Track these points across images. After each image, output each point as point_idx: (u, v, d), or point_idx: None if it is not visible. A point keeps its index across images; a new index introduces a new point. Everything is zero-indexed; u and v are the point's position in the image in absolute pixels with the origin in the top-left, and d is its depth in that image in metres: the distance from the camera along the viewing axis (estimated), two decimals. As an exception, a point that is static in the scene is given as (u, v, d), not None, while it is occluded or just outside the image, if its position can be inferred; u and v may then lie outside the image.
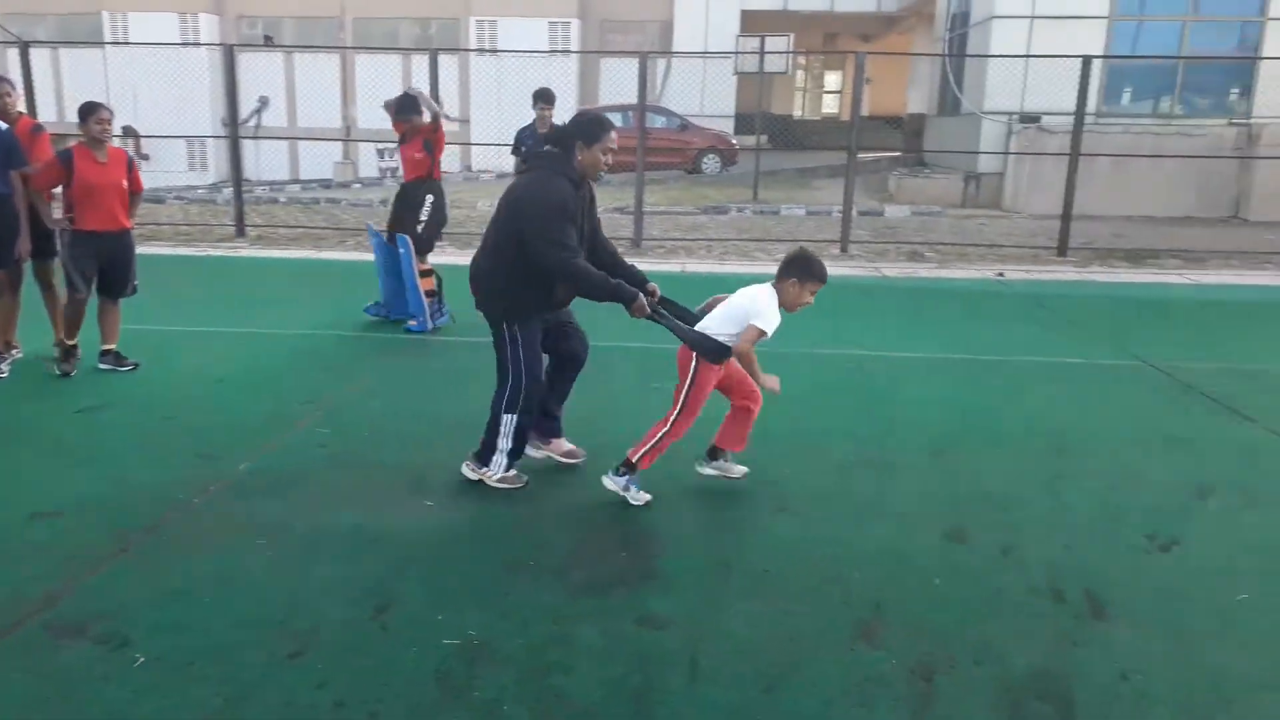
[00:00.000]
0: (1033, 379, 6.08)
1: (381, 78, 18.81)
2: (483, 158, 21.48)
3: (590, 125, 3.91)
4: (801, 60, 30.95)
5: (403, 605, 3.09)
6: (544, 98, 7.48)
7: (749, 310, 3.76)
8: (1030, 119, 15.14)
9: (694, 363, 3.84)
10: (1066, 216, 11.33)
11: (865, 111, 12.95)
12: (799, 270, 3.79)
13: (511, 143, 7.71)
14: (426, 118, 6.76)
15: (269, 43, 25.32)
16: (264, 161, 20.89)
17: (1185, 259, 11.25)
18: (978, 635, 2.99)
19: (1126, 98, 16.05)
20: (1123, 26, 15.45)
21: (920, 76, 21.91)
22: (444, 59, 23.35)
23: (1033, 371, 6.26)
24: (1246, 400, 5.55)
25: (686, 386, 3.86)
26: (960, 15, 18.01)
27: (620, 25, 25.51)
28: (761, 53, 15.86)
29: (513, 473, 4.07)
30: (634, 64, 11.49)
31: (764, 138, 18.69)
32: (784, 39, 16.11)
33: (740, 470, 4.17)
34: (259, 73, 23.51)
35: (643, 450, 3.89)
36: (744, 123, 22.17)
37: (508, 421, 3.99)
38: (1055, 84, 12.35)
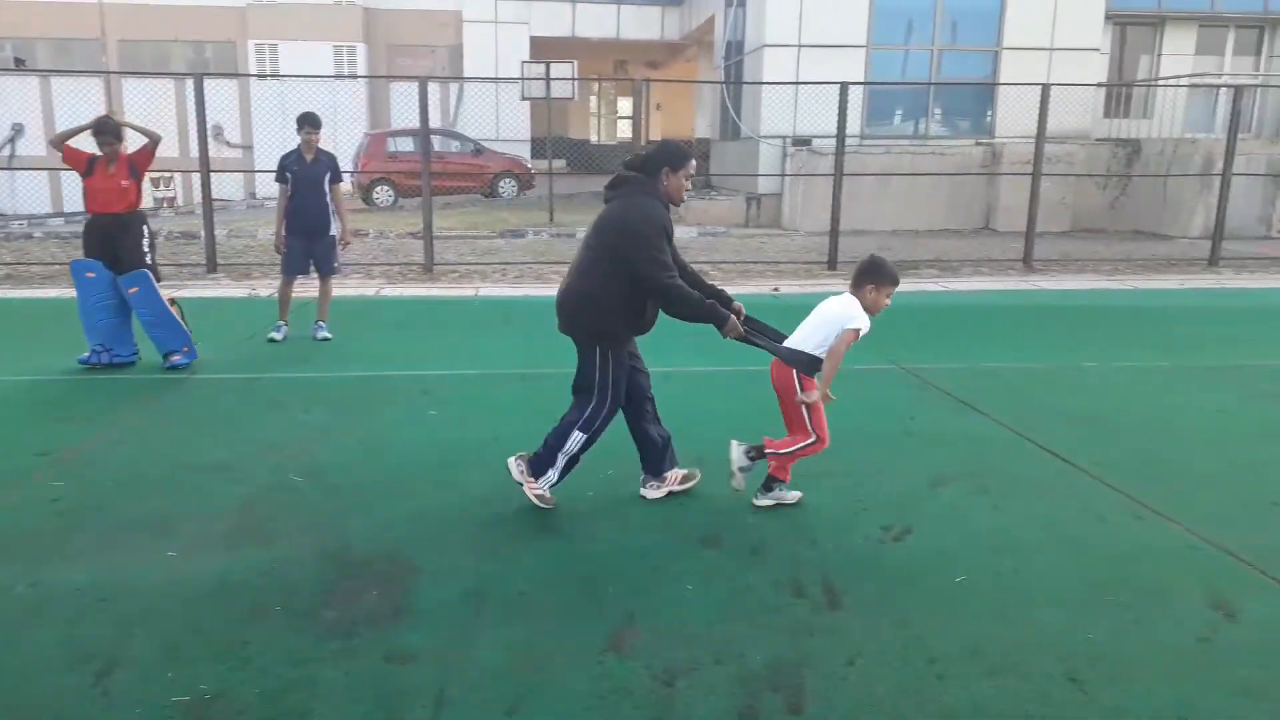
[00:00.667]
0: (797, 387, 6.41)
1: (153, 103, 17.71)
2: (266, 185, 20.59)
3: (676, 152, 4.03)
4: (594, 86, 31.56)
5: (128, 666, 2.90)
6: (310, 122, 7.27)
7: (841, 316, 3.98)
8: (802, 142, 16.05)
9: (797, 381, 4.03)
10: (834, 233, 12.07)
11: (657, 136, 13.38)
12: (876, 276, 4.03)
13: (276, 169, 7.43)
14: (129, 145, 6.48)
15: (20, 65, 23.32)
16: (20, 194, 19.20)
17: (941, 268, 12.21)
18: (722, 635, 3.12)
19: (888, 121, 17.29)
20: (881, 55, 16.66)
21: (705, 102, 22.79)
22: (224, 83, 22.35)
23: (798, 379, 6.60)
24: (983, 397, 6.07)
25: (807, 414, 4.05)
26: (736, 44, 18.89)
27: (408, 49, 25.16)
28: (548, 79, 16.04)
29: (551, 495, 4.10)
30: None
31: (561, 162, 18.91)
32: (569, 65, 16.37)
33: (795, 496, 4.23)
34: (10, 98, 21.62)
35: (782, 452, 4.10)
36: (540, 147, 22.35)
37: (577, 439, 4.05)
38: (823, 109, 13.16)
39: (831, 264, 12.04)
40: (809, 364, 4.04)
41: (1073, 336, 8.47)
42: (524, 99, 17.76)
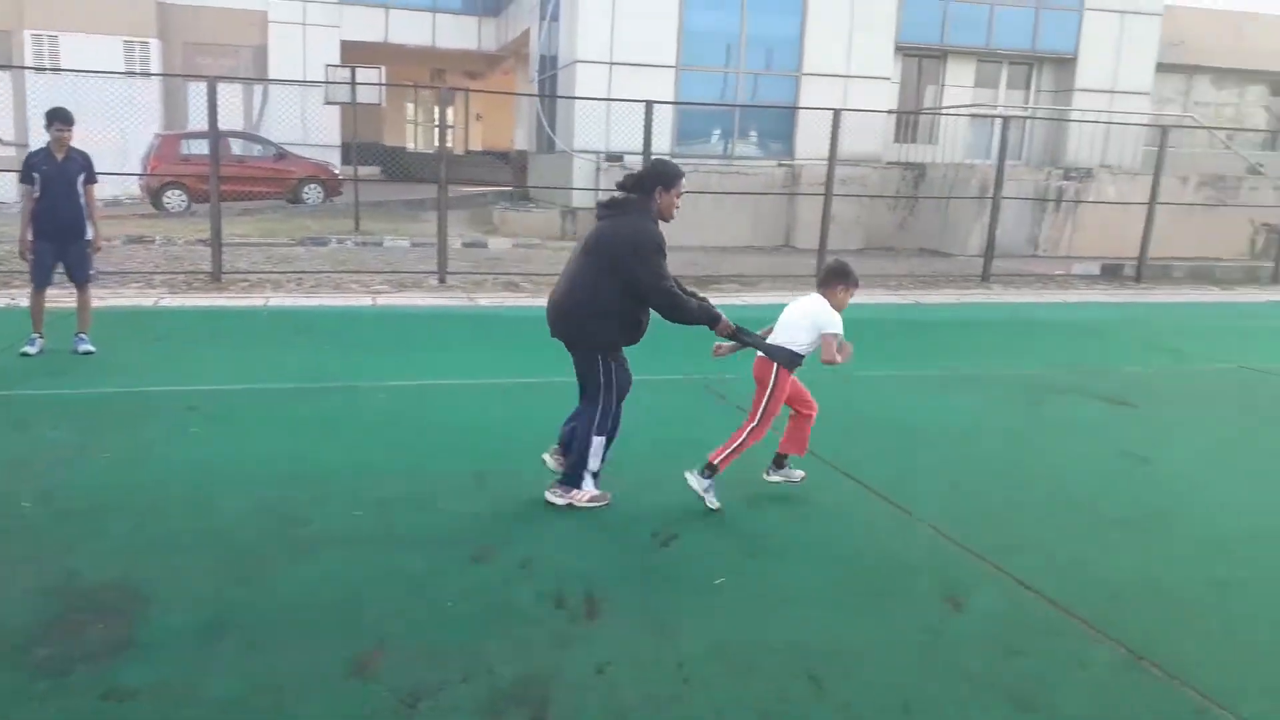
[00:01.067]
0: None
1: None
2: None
3: (669, 172, 4.26)
4: (413, 93, 30.88)
5: None
6: (60, 117, 6.71)
7: (817, 321, 4.43)
8: (614, 158, 16.25)
9: (774, 373, 4.41)
10: (642, 246, 12.25)
11: (479, 146, 13.18)
12: (844, 277, 4.51)
13: (21, 168, 6.81)
14: None
15: None
16: None
17: (742, 283, 12.64)
18: (475, 651, 3.06)
19: (698, 140, 17.77)
20: (690, 76, 17.11)
21: (524, 114, 22.74)
22: (-5, 74, 20.47)
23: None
24: (764, 404, 6.29)
25: (767, 395, 4.41)
26: (550, 58, 18.96)
27: (208, 48, 23.81)
28: (353, 83, 15.55)
29: (599, 491, 4.35)
30: (226, 89, 10.73)
31: (375, 169, 18.32)
32: (375, 71, 15.93)
33: (800, 474, 4.68)
34: None
35: (724, 453, 4.34)
36: (350, 153, 21.64)
37: (597, 444, 4.29)
38: (635, 126, 13.37)
39: (639, 277, 12.21)
40: (790, 360, 4.44)
41: (862, 348, 8.90)
42: (328, 103, 17.15)
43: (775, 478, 4.70)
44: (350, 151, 17.75)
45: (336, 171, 20.66)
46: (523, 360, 7.52)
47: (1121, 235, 15.57)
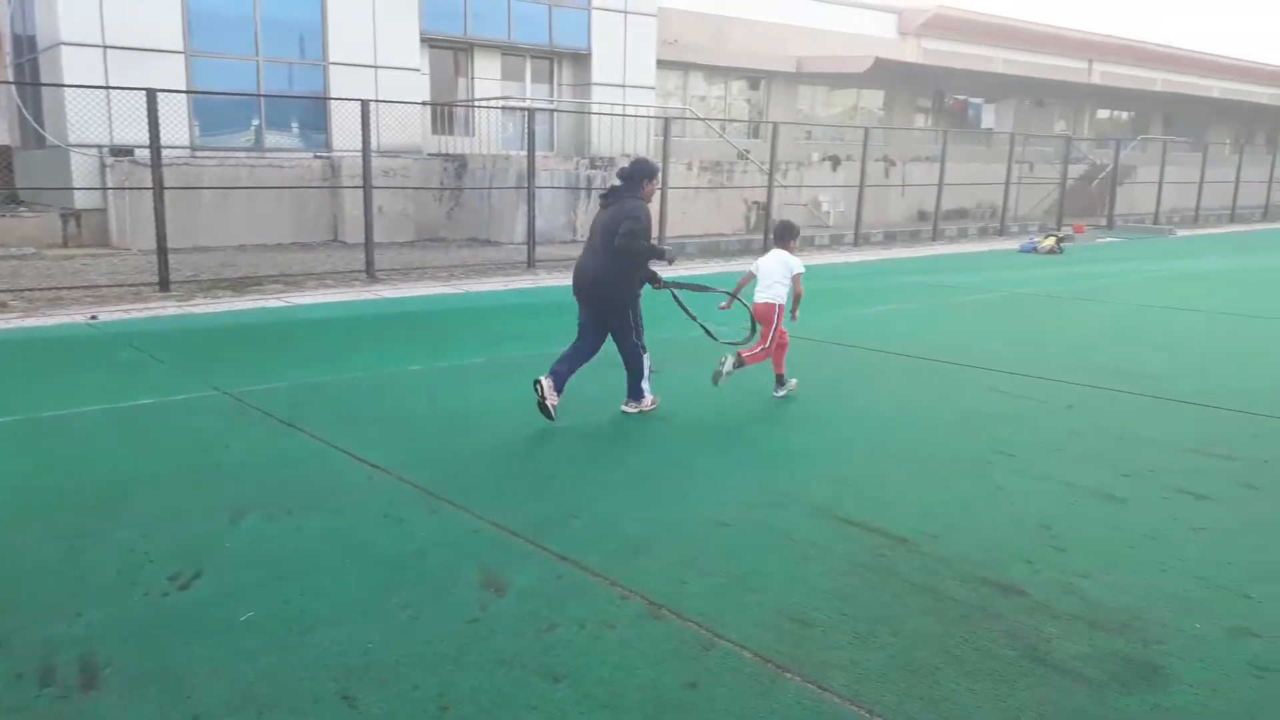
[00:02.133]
0: (98, 431, 5.64)
1: None
2: None
3: (650, 168, 5.94)
4: None
5: None
6: None
7: (789, 265, 6.45)
8: (124, 152, 14.45)
9: (777, 315, 6.47)
10: (163, 250, 11.06)
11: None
12: (793, 233, 6.70)
13: None
14: None
15: None
16: None
17: (286, 283, 11.91)
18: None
19: (224, 131, 16.40)
20: (205, 63, 15.69)
21: (4, 105, 19.35)
22: None
23: (100, 422, 5.81)
24: (306, 413, 5.95)
25: (773, 329, 6.45)
26: (28, 39, 16.32)
27: None
28: None
29: (653, 396, 6.13)
30: None
31: None
32: None
33: (794, 382, 6.67)
34: None
35: (750, 354, 6.37)
36: None
37: (645, 360, 6.01)
38: (143, 116, 11.91)
39: (163, 284, 11.01)
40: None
41: (408, 342, 8.83)
42: None
43: (783, 392, 6.60)
44: None
45: None
46: (37, 391, 6.39)
47: (645, 216, 17.08)
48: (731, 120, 24.09)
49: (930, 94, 29.73)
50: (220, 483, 4.74)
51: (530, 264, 14.05)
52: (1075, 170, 26.01)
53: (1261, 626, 3.32)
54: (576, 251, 16.24)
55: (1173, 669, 3.04)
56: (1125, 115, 36.80)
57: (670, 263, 6.34)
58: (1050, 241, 18.39)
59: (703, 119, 22.31)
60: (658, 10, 20.88)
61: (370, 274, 12.56)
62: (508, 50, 19.58)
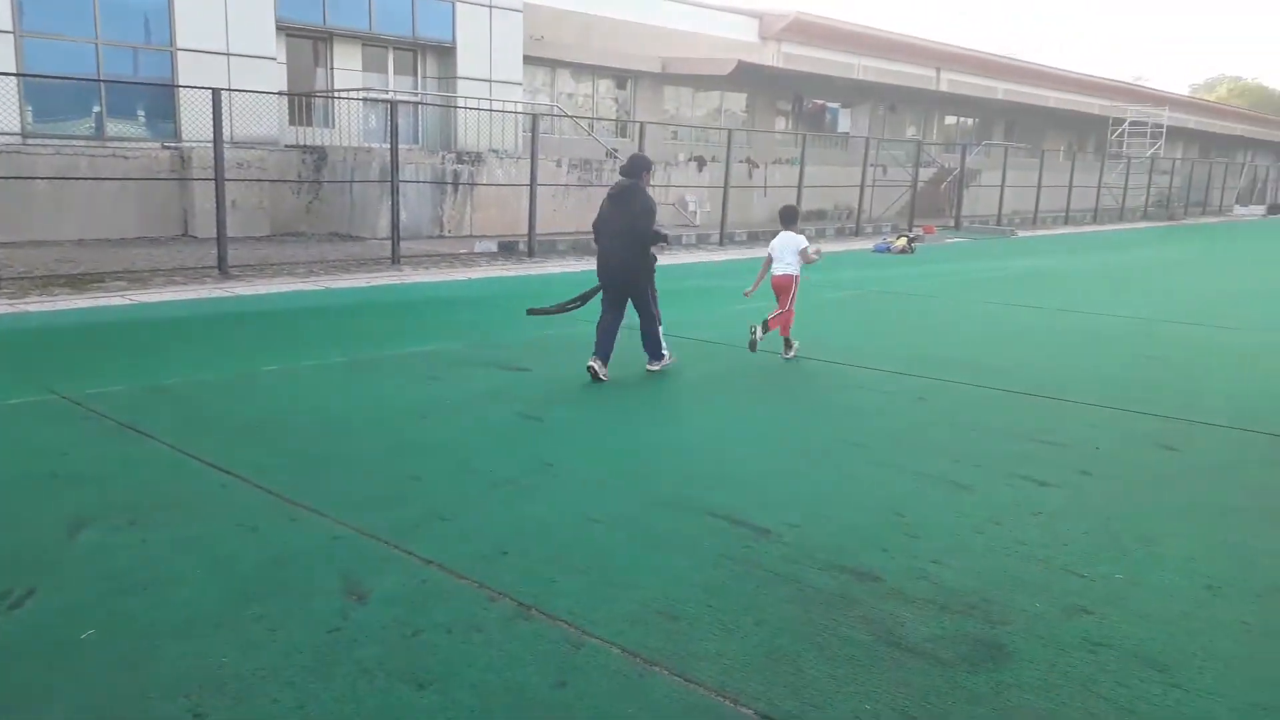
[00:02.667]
0: (-88, 439, 5.19)
1: None
2: None
3: (646, 160, 7.28)
4: None
5: None
6: None
7: (797, 244, 7.98)
8: (-58, 137, 13.33)
9: (795, 285, 7.98)
10: (-13, 245, 10.27)
11: None
12: (797, 217, 8.31)
13: None
14: None
15: None
16: None
17: (131, 280, 11.26)
18: None
19: (60, 118, 15.35)
20: (36, 44, 14.65)
21: None
22: None
23: (-86, 430, 5.35)
24: (152, 418, 5.64)
25: (791, 296, 7.96)
26: None
27: None
28: None
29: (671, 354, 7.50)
30: None
31: None
32: None
33: (797, 343, 8.08)
34: None
35: (775, 318, 7.88)
36: None
37: (659, 329, 7.30)
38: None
39: (-12, 282, 10.23)
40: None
41: (263, 341, 8.49)
42: None
43: (792, 354, 8.00)
44: None
45: None
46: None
47: (515, 214, 16.98)
48: (600, 119, 24.15)
49: (790, 97, 30.60)
50: (57, 492, 4.44)
51: (395, 260, 13.73)
52: (925, 173, 27.26)
53: (1094, 604, 3.56)
54: (442, 247, 15.99)
55: (1015, 647, 3.22)
56: (970, 121, 38.80)
57: (668, 244, 8.40)
58: (902, 241, 19.22)
59: (571, 116, 22.30)
60: (524, 5, 20.73)
61: (223, 270, 12.01)
62: (369, 41, 19.06)
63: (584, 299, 7.55)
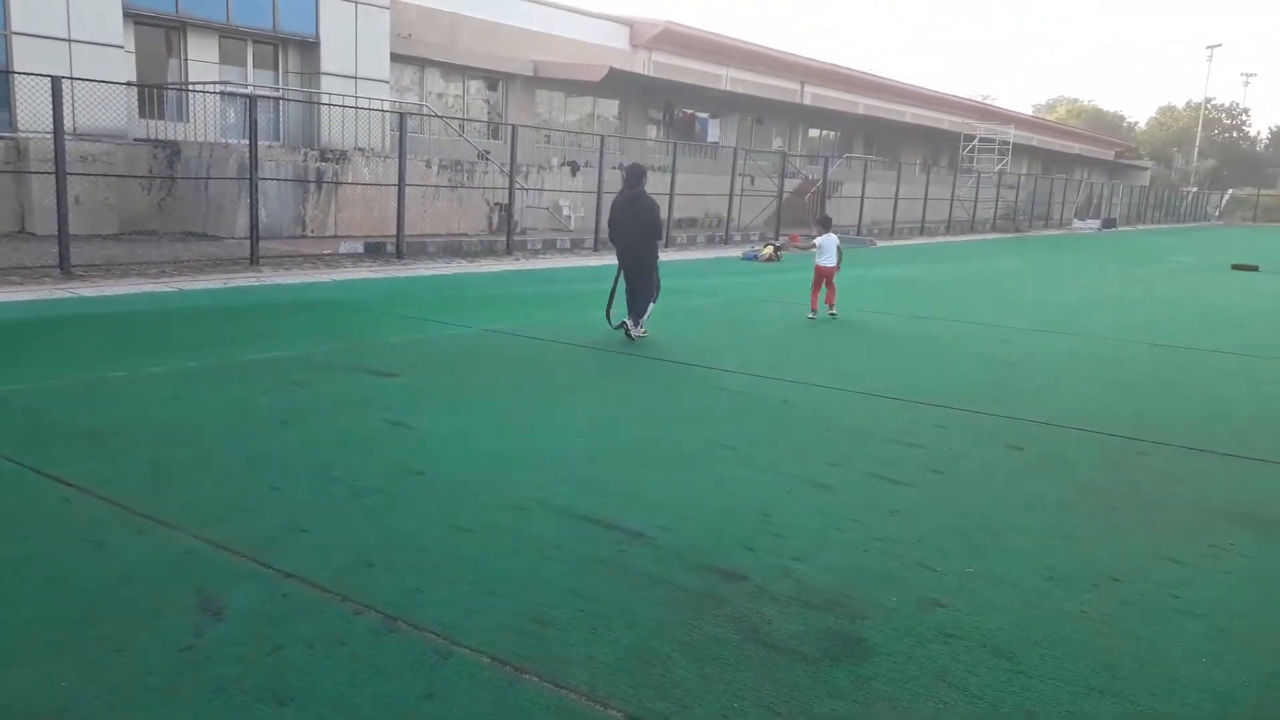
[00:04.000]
0: None
1: None
2: None
3: (644, 170, 9.38)
4: None
5: None
6: None
7: (837, 243, 11.21)
8: None
9: (837, 271, 11.27)
10: None
11: None
12: (830, 222, 11.83)
13: None
14: None
15: None
16: None
17: (-44, 280, 10.45)
18: None
19: None
20: None
21: None
22: None
23: None
24: (-19, 427, 5.25)
25: (836, 279, 11.31)
26: None
27: None
28: None
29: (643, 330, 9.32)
30: None
31: None
32: None
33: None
34: None
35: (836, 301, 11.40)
36: None
37: (649, 307, 9.29)
38: None
39: None
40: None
41: (110, 345, 8.01)
42: None
43: (834, 311, 11.17)
44: None
45: None
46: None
47: (382, 215, 16.58)
48: (470, 120, 23.85)
49: (661, 106, 30.97)
50: None
51: (254, 261, 13.20)
52: (790, 184, 28.07)
53: (947, 596, 3.74)
54: (306, 247, 15.55)
55: (874, 641, 3.35)
56: (833, 135, 40.19)
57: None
58: (769, 250, 19.73)
59: (441, 116, 21.94)
60: (391, 2, 20.28)
61: (65, 270, 11.29)
62: (227, 33, 18.26)
63: (615, 291, 9.41)
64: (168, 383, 6.66)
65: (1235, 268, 23.08)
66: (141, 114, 16.99)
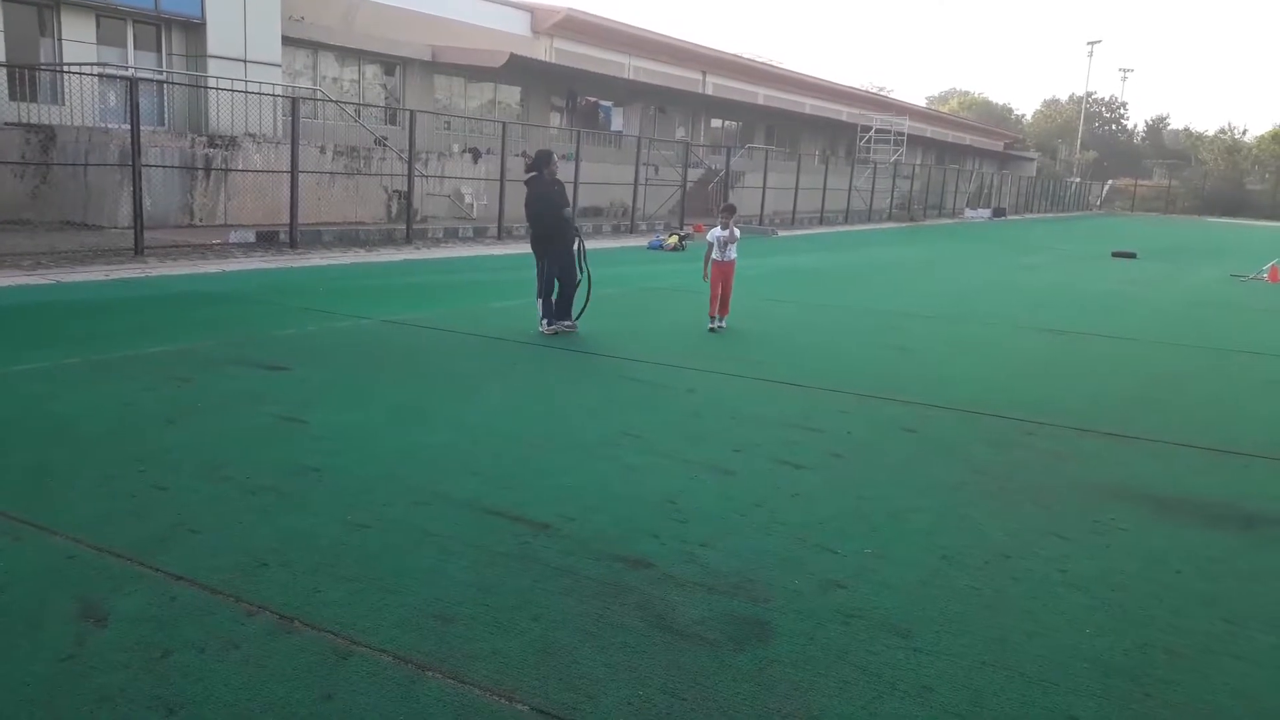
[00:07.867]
0: None
1: None
2: None
3: (551, 154, 9.36)
4: None
5: None
6: None
7: (737, 235, 9.93)
8: None
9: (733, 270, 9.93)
10: None
11: None
12: (732, 210, 10.13)
13: None
14: None
15: None
16: None
17: None
18: None
19: None
20: None
21: None
22: None
23: None
24: None
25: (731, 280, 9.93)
26: None
27: None
28: None
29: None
30: None
31: None
32: None
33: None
34: None
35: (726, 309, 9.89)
36: None
37: (567, 297, 9.19)
38: None
39: None
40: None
41: (-23, 342, 7.55)
42: None
43: (721, 324, 9.70)
44: None
45: None
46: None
47: (274, 202, 16.04)
48: (367, 105, 23.26)
49: (564, 94, 30.79)
50: None
51: (139, 251, 12.63)
52: (694, 174, 28.26)
53: (846, 578, 3.82)
54: (195, 237, 15.03)
55: (776, 623, 3.40)
56: (735, 125, 40.62)
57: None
58: (674, 239, 19.84)
59: (335, 101, 21.34)
60: (282, -16, 19.61)
61: (-73, 261, 10.59)
62: (104, 12, 17.38)
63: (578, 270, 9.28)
64: (44, 380, 6.32)
65: (1115, 255, 24.24)
66: (11, 97, 16.03)
